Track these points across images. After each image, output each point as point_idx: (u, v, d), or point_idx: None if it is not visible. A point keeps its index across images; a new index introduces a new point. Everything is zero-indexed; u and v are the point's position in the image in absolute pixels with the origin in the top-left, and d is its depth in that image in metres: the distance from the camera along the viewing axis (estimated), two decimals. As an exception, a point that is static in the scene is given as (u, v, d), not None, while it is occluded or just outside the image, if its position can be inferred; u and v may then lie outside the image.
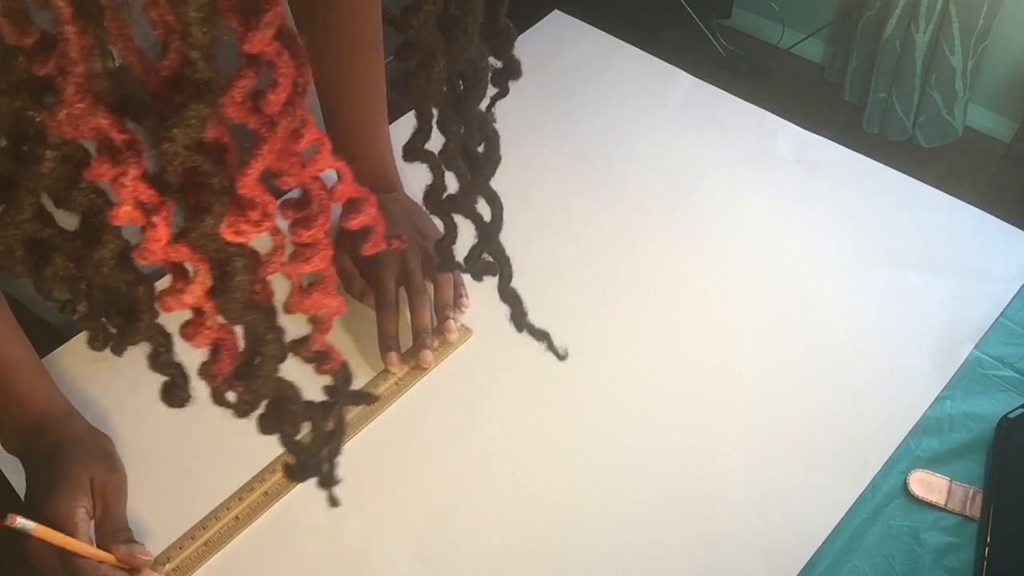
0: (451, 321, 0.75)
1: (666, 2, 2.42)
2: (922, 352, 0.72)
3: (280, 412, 0.43)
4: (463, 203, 0.43)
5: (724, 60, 2.42)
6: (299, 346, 0.42)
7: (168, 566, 0.63)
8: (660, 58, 1.02)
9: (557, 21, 1.08)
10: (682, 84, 0.99)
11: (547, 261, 0.81)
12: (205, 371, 0.41)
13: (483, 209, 0.45)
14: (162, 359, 0.43)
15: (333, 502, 0.49)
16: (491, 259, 0.47)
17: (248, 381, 0.41)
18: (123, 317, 0.40)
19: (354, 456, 0.69)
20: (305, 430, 0.45)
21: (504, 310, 0.77)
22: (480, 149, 0.41)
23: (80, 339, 0.78)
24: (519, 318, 0.49)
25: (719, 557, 0.62)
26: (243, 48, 0.29)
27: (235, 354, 0.40)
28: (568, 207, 0.86)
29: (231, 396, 0.43)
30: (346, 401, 0.46)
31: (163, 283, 0.37)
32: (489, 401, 0.72)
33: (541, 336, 0.51)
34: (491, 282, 0.79)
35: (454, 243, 0.46)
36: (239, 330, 0.39)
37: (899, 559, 0.61)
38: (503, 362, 0.74)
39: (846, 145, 0.90)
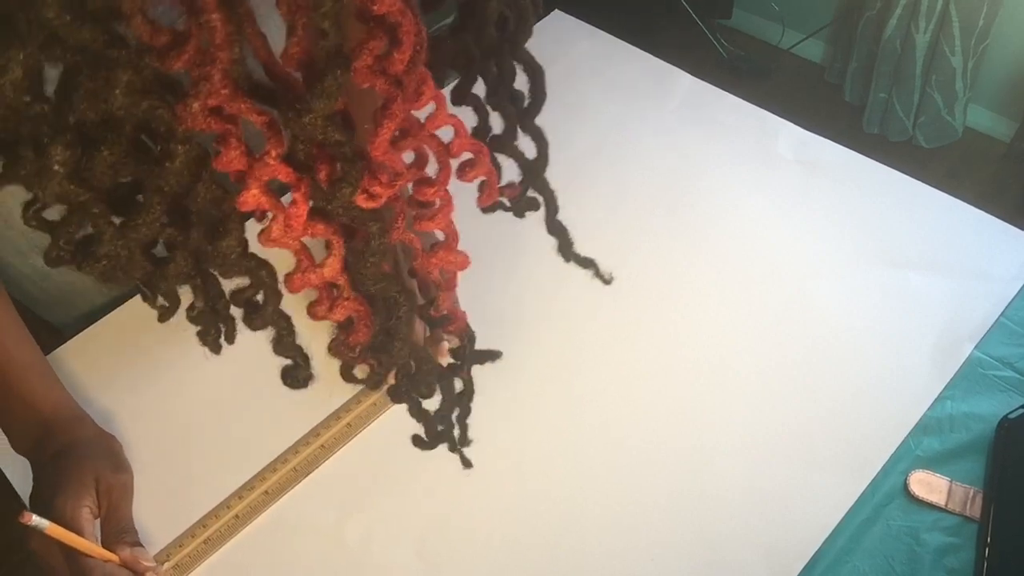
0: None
1: (666, 2, 2.42)
2: (922, 352, 0.72)
3: (414, 378, 0.44)
4: (509, 142, 0.44)
5: (724, 60, 2.42)
6: (428, 308, 0.43)
7: (168, 564, 0.63)
8: (660, 58, 1.02)
9: (557, 21, 1.08)
10: (682, 84, 0.99)
11: (547, 261, 0.81)
12: (341, 344, 0.41)
13: (526, 148, 0.45)
14: (286, 342, 0.44)
15: (466, 463, 0.53)
16: (535, 195, 0.48)
17: (386, 349, 0.41)
18: (248, 306, 0.41)
19: (354, 456, 0.69)
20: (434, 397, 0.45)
21: (505, 311, 0.77)
22: (522, 91, 0.42)
23: (81, 339, 0.78)
24: (566, 248, 0.51)
25: (719, 557, 0.62)
26: (371, 10, 0.30)
27: (371, 323, 0.40)
28: (568, 207, 0.86)
29: (359, 371, 0.43)
30: (473, 359, 0.47)
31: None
32: (489, 401, 0.72)
33: (588, 263, 0.53)
34: (493, 282, 0.79)
35: (499, 182, 0.47)
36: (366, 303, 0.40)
37: (899, 559, 0.61)
38: (503, 363, 0.74)
39: (846, 145, 0.90)
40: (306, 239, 0.38)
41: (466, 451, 0.68)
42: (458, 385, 0.48)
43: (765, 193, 0.86)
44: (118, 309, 0.80)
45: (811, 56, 2.43)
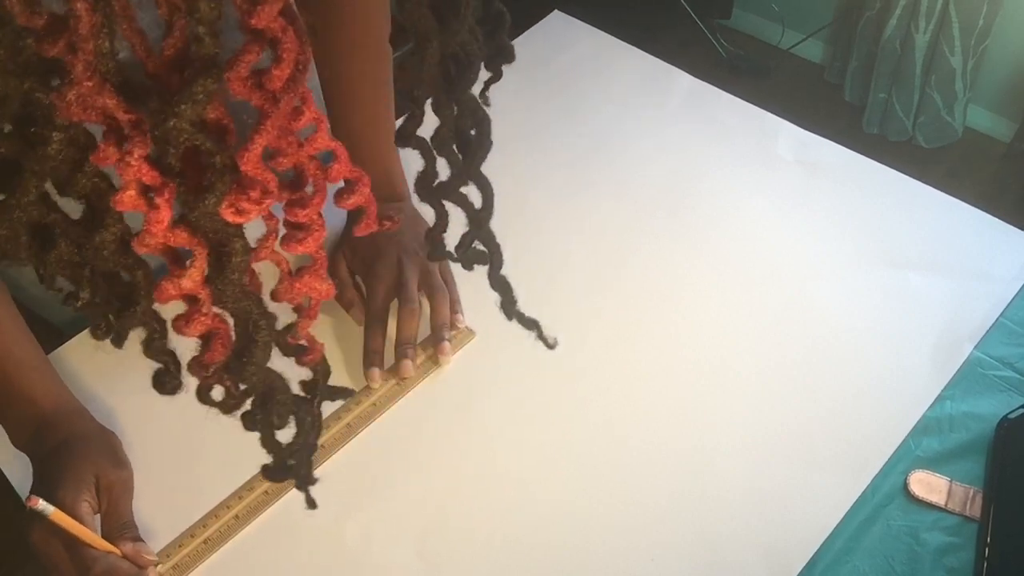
0: (446, 343, 0.74)
1: (666, 2, 2.42)
2: (922, 352, 0.72)
3: (267, 405, 0.43)
4: (453, 189, 0.43)
5: (724, 60, 2.42)
6: (285, 334, 0.42)
7: (167, 564, 0.63)
8: (660, 58, 1.02)
9: (557, 21, 1.08)
10: (682, 84, 0.99)
11: (547, 261, 0.81)
12: (196, 363, 0.41)
13: (475, 197, 0.44)
14: (156, 345, 0.43)
15: (310, 503, 0.49)
16: (482, 247, 0.47)
17: (239, 371, 0.41)
18: (121, 303, 0.41)
19: (354, 456, 0.69)
20: (287, 427, 0.45)
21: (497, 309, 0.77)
22: (472, 134, 0.41)
23: (81, 338, 0.78)
24: (509, 306, 0.49)
25: (719, 557, 0.62)
26: (249, 23, 0.30)
27: (228, 343, 0.40)
28: (568, 207, 0.86)
29: (216, 393, 0.43)
30: (324, 395, 0.46)
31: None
32: (490, 401, 0.72)
33: (531, 324, 0.50)
34: (482, 280, 0.79)
35: (444, 231, 0.46)
36: (230, 321, 0.40)
37: (899, 559, 0.61)
38: (504, 363, 0.74)
39: (846, 145, 0.90)
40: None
41: (468, 456, 0.69)
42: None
43: (765, 193, 0.86)
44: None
45: (811, 56, 2.43)
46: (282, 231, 0.39)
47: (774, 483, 0.65)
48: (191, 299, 0.38)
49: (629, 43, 1.04)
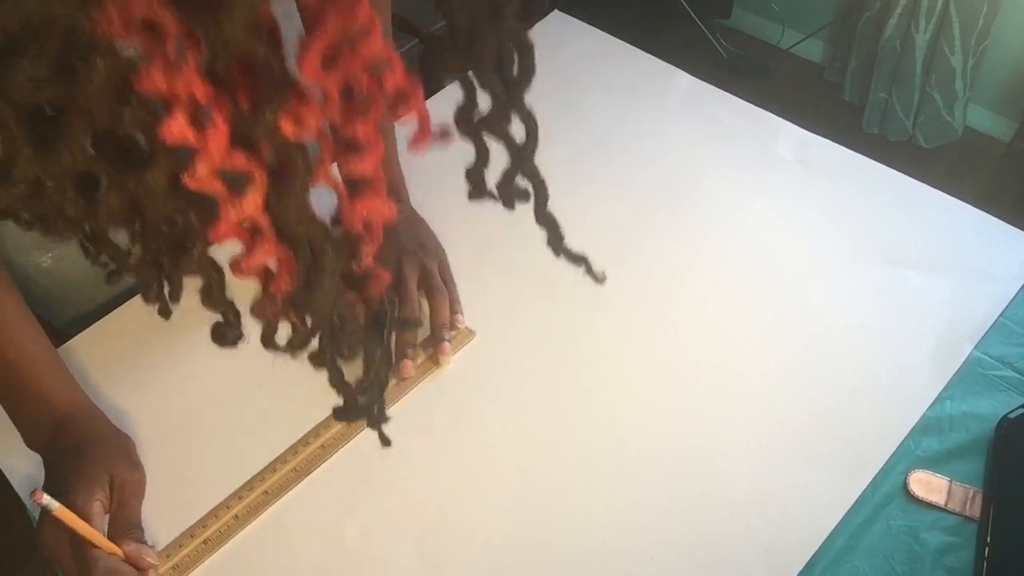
0: (446, 344, 0.74)
1: (666, 2, 2.42)
2: (922, 352, 0.72)
3: (337, 339, 0.41)
4: (496, 122, 0.40)
5: (724, 60, 2.42)
6: (350, 261, 0.40)
7: (167, 564, 0.63)
8: (660, 58, 1.02)
9: (557, 21, 1.08)
10: (682, 84, 0.99)
11: (547, 260, 0.81)
12: (261, 299, 0.39)
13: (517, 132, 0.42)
14: (215, 294, 0.41)
15: (385, 441, 0.48)
16: (525, 182, 0.45)
17: (307, 303, 0.38)
18: (175, 252, 0.39)
19: (354, 456, 0.69)
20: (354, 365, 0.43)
21: (505, 311, 0.77)
22: (515, 63, 0.39)
23: (81, 338, 0.78)
24: (556, 242, 0.48)
25: (719, 557, 0.62)
26: None
27: (293, 273, 0.37)
28: (568, 207, 0.86)
29: (281, 336, 0.41)
30: (394, 326, 0.44)
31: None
32: (490, 401, 0.72)
33: (579, 260, 0.49)
34: (494, 282, 0.79)
35: (486, 166, 0.44)
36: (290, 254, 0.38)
37: (899, 559, 0.61)
38: (504, 363, 0.74)
39: (846, 145, 0.90)
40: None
41: (468, 456, 0.69)
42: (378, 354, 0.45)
43: (765, 193, 0.86)
44: (118, 309, 0.80)
45: (811, 56, 2.43)
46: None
47: (774, 483, 0.65)
48: (251, 231, 0.35)
49: (629, 43, 1.04)
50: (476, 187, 0.45)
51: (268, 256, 0.36)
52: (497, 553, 0.63)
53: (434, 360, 0.74)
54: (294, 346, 0.41)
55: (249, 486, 0.67)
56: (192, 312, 0.82)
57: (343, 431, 0.70)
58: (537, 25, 1.07)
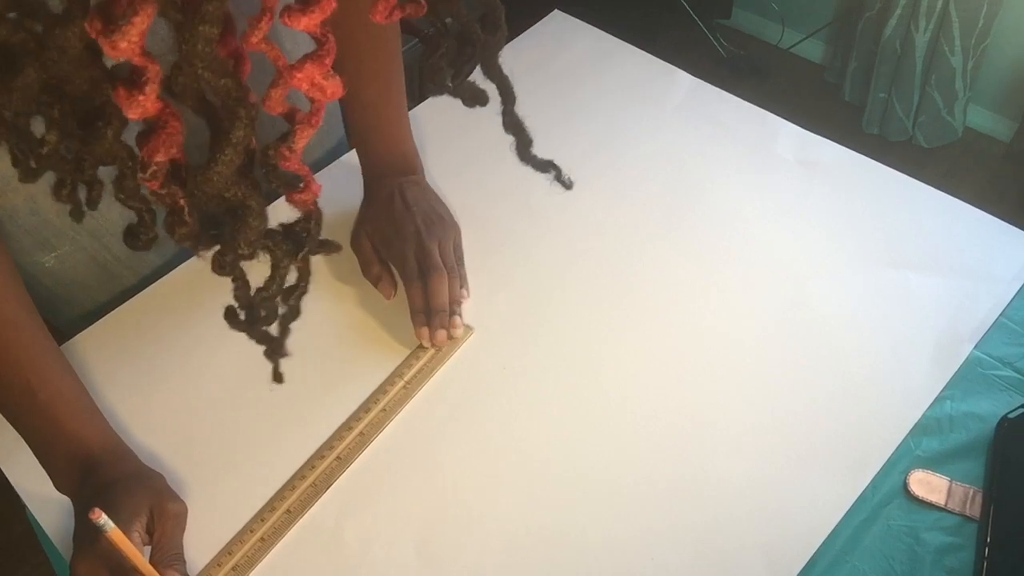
0: (457, 317, 0.74)
1: (666, 2, 2.42)
2: (922, 352, 0.72)
3: (238, 225, 0.36)
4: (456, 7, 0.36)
5: (724, 60, 2.42)
6: (278, 146, 0.35)
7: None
8: (660, 58, 1.02)
9: (557, 21, 1.08)
10: (682, 84, 0.99)
11: (548, 261, 0.81)
12: (140, 164, 0.34)
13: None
14: (128, 184, 0.37)
15: (277, 378, 0.43)
16: (487, 83, 0.40)
17: (202, 179, 0.33)
18: (91, 135, 0.34)
19: (354, 456, 0.69)
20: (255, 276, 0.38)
21: (506, 311, 0.77)
22: None
23: (81, 338, 0.78)
24: (523, 148, 0.44)
25: (719, 557, 0.62)
26: None
27: (176, 139, 0.33)
28: (568, 207, 0.86)
29: (167, 206, 0.35)
30: (313, 246, 0.39)
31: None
32: (489, 401, 0.72)
33: (545, 166, 0.45)
34: (495, 281, 0.79)
35: (438, 52, 0.40)
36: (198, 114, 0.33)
37: (899, 559, 0.61)
38: (504, 362, 0.74)
39: (846, 145, 0.90)
40: None
41: (468, 456, 0.69)
42: (291, 277, 0.40)
43: (764, 193, 0.86)
44: (117, 309, 0.80)
45: (811, 56, 2.43)
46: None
47: (774, 483, 0.65)
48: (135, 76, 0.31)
49: (629, 43, 1.04)
50: (435, 80, 0.40)
51: (152, 106, 0.32)
52: (497, 553, 0.63)
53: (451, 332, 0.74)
54: (177, 233, 0.36)
55: (271, 507, 0.66)
56: (193, 311, 0.81)
57: (356, 440, 0.69)
58: (537, 25, 1.07)
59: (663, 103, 0.96)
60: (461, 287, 0.77)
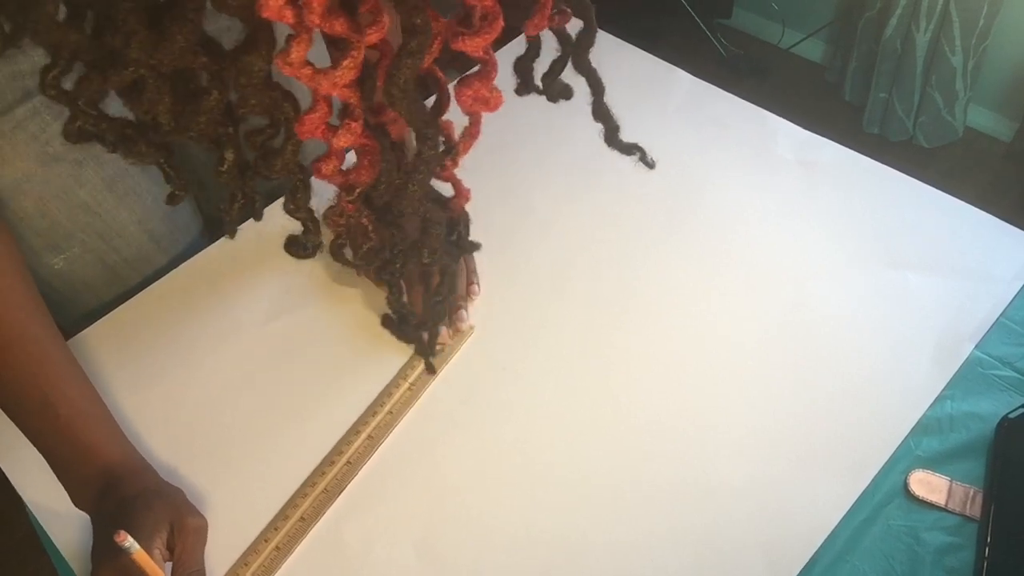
0: (463, 311, 0.75)
1: (666, 2, 2.42)
2: (922, 352, 0.72)
3: (421, 243, 0.40)
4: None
5: (724, 60, 2.42)
6: (443, 158, 0.39)
7: None
8: (660, 58, 1.02)
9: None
10: (682, 84, 0.99)
11: (548, 261, 0.81)
12: (336, 206, 0.38)
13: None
14: (299, 197, 0.41)
15: (430, 368, 0.50)
16: (577, 77, 0.43)
17: (399, 198, 0.38)
18: (264, 151, 0.38)
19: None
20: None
21: (506, 312, 0.77)
22: None
23: (83, 337, 0.78)
24: (611, 134, 0.47)
25: (719, 556, 0.62)
26: None
27: (376, 162, 0.37)
28: (569, 207, 0.86)
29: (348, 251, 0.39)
30: (468, 247, 0.44)
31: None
32: (490, 403, 0.72)
33: (631, 149, 0.48)
34: (496, 283, 0.79)
35: (536, 57, 0.42)
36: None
37: (899, 559, 0.61)
38: (504, 363, 0.74)
39: (846, 145, 0.90)
40: None
41: (467, 456, 0.69)
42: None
43: (765, 193, 0.86)
44: (117, 310, 0.80)
45: (811, 56, 2.43)
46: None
47: (774, 483, 0.65)
48: (334, 129, 0.35)
49: (629, 43, 1.04)
50: (524, 82, 0.44)
51: (353, 140, 0.36)
52: (497, 553, 0.63)
53: (455, 329, 0.74)
54: (365, 260, 0.41)
55: (284, 515, 0.65)
56: (195, 310, 0.81)
57: (366, 444, 0.69)
58: (537, 25, 1.07)
59: (663, 103, 0.96)
60: (471, 283, 0.77)
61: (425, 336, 0.47)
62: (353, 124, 0.36)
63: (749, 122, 0.94)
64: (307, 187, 0.41)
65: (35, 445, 0.63)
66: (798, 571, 0.61)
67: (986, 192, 2.05)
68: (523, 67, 0.43)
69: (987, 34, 1.95)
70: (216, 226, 0.92)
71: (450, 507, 0.66)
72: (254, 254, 0.84)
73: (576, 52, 0.42)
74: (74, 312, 0.83)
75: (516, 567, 0.62)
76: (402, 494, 0.67)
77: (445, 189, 0.48)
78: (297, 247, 0.44)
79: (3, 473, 0.69)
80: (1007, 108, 2.11)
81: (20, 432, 0.64)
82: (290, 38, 0.32)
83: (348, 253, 0.41)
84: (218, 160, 0.39)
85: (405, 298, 0.45)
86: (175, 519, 0.61)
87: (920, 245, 0.80)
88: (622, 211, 0.86)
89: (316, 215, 0.41)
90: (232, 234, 0.45)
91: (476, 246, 0.47)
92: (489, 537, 0.64)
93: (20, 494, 0.68)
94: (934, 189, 0.85)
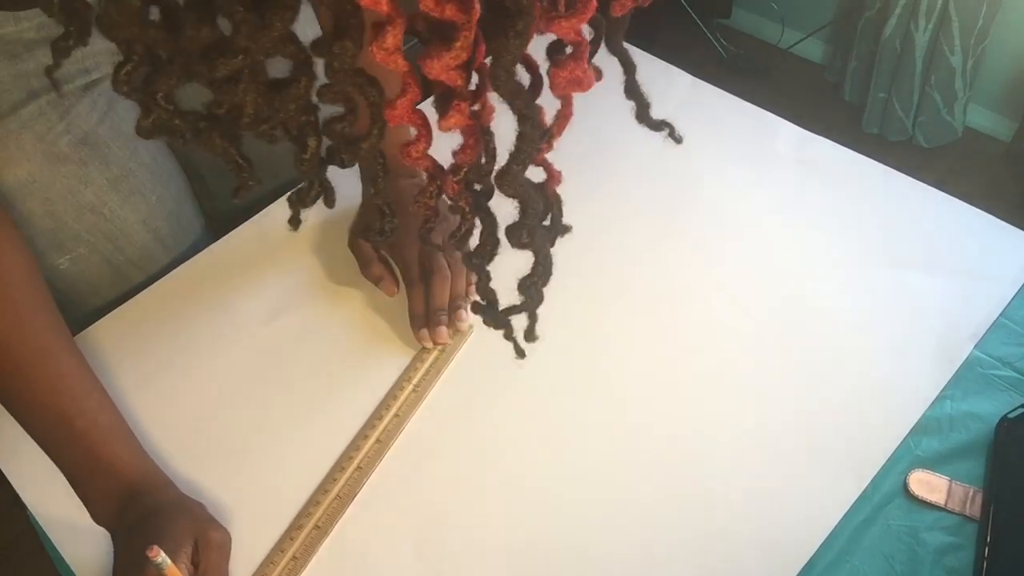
0: (463, 310, 0.75)
1: (666, 2, 2.42)
2: (922, 352, 0.72)
3: (520, 224, 0.42)
4: None
5: (724, 60, 2.42)
6: (540, 141, 0.40)
7: None
8: (660, 58, 1.02)
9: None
10: (682, 84, 0.99)
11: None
12: (426, 190, 0.39)
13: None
14: (380, 185, 0.42)
15: (520, 353, 0.51)
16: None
17: (505, 179, 0.39)
18: (344, 140, 0.39)
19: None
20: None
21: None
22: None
23: (86, 335, 0.78)
24: (643, 111, 0.49)
25: (719, 557, 0.62)
26: None
27: (479, 144, 0.38)
28: (568, 208, 0.86)
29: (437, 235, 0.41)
30: (561, 231, 0.46)
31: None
32: (488, 401, 0.72)
33: (660, 126, 0.50)
34: (495, 282, 0.79)
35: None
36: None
37: (899, 559, 0.61)
38: (503, 364, 0.74)
39: (846, 145, 0.90)
40: None
41: (467, 456, 0.69)
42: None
43: (764, 193, 0.86)
44: (120, 308, 0.80)
45: (811, 56, 2.43)
46: None
47: (774, 483, 0.65)
48: (444, 96, 0.35)
49: (629, 43, 1.04)
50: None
51: (462, 121, 0.36)
52: (496, 553, 0.63)
53: (454, 330, 0.74)
54: (459, 240, 0.42)
55: (298, 524, 0.64)
56: (199, 309, 0.81)
57: (375, 449, 0.68)
58: (537, 25, 1.07)
59: (663, 103, 0.96)
60: (471, 283, 0.77)
61: (506, 324, 0.49)
62: (463, 104, 0.36)
63: (749, 122, 0.93)
64: (387, 172, 0.42)
65: (53, 459, 0.62)
66: (798, 571, 0.61)
67: (985, 192, 2.05)
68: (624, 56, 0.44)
69: (986, 34, 1.95)
70: (217, 224, 0.92)
71: (450, 507, 0.66)
72: (257, 253, 0.84)
73: (611, 33, 0.44)
74: (78, 312, 0.83)
75: (516, 567, 0.62)
76: (402, 494, 0.67)
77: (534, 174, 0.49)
78: (375, 233, 0.45)
79: (2, 473, 0.69)
80: (1006, 108, 2.11)
81: (20, 432, 0.64)
82: (381, 24, 0.32)
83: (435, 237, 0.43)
84: (300, 149, 0.40)
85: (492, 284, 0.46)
86: (199, 534, 0.60)
87: (920, 245, 0.80)
88: (622, 211, 0.86)
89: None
90: (296, 226, 0.46)
91: (568, 228, 0.48)
92: (488, 538, 0.64)
93: (19, 493, 0.68)
94: (934, 189, 0.85)
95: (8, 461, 0.69)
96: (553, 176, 0.43)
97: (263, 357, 0.76)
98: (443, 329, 0.73)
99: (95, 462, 0.62)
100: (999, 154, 2.13)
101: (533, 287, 0.47)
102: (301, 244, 0.84)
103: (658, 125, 0.50)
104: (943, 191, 0.85)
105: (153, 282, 0.82)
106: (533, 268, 0.46)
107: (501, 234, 0.44)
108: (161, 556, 0.52)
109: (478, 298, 0.47)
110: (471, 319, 0.77)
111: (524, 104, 0.38)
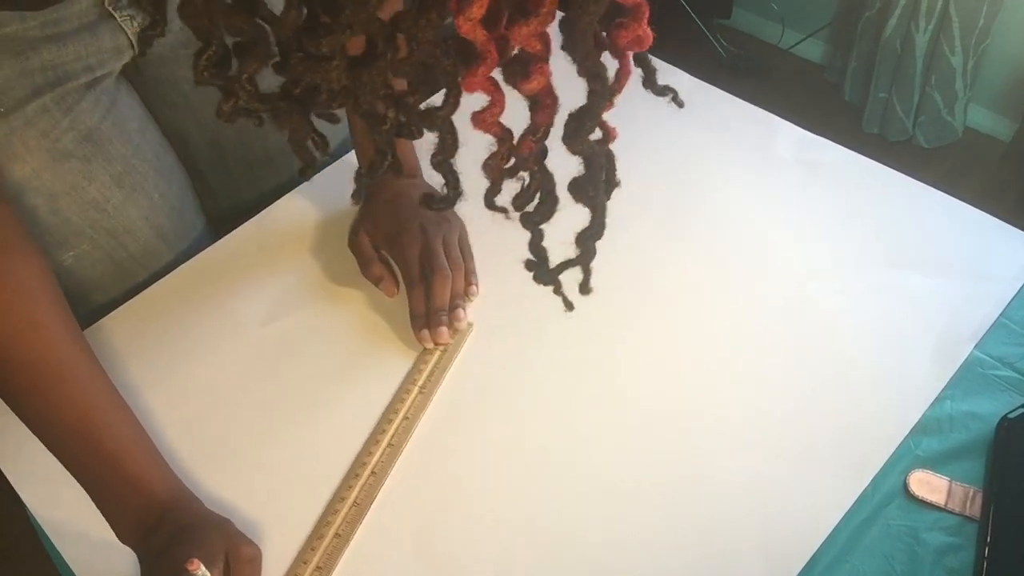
0: (461, 310, 0.75)
1: (666, 2, 2.42)
2: (922, 352, 0.72)
3: (590, 172, 0.44)
4: None
5: (724, 60, 2.42)
6: (612, 95, 0.43)
7: None
8: (660, 58, 1.02)
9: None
10: (682, 84, 0.98)
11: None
12: (496, 155, 0.42)
13: None
14: (446, 156, 0.43)
15: (569, 306, 0.54)
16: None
17: (575, 137, 0.41)
18: (423, 115, 0.40)
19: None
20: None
21: (506, 312, 0.77)
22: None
23: (90, 333, 0.78)
24: (650, 78, 0.52)
25: (719, 556, 0.62)
26: None
27: (554, 103, 0.40)
28: (567, 207, 0.86)
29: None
30: (613, 187, 0.49)
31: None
32: (488, 401, 0.72)
33: (664, 91, 0.54)
34: (496, 281, 0.79)
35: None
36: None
37: (899, 559, 0.61)
38: (504, 362, 0.74)
39: (846, 145, 0.90)
40: None
41: (467, 455, 0.69)
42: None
43: (765, 193, 0.86)
44: (124, 306, 0.80)
45: (811, 56, 2.43)
46: None
47: (774, 483, 0.65)
48: (521, 62, 0.37)
49: (629, 43, 1.04)
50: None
51: (546, 79, 0.39)
52: (496, 553, 0.63)
53: (453, 328, 0.74)
54: (521, 202, 0.44)
55: (319, 534, 0.64)
56: (202, 307, 0.81)
57: (388, 452, 0.68)
58: (537, 25, 1.07)
59: (662, 103, 0.96)
60: (470, 283, 0.77)
61: (555, 281, 0.53)
62: (545, 67, 0.40)
63: (749, 122, 0.93)
64: (456, 141, 0.43)
65: (77, 478, 0.60)
66: (798, 571, 0.61)
67: (985, 192, 2.05)
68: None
69: (987, 34, 1.95)
70: (217, 222, 0.92)
71: (450, 507, 0.66)
72: (259, 252, 0.84)
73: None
74: (81, 308, 0.83)
75: (516, 567, 0.62)
76: (402, 494, 0.67)
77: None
78: (441, 202, 0.47)
79: (2, 473, 0.69)
80: (1007, 108, 2.11)
81: (20, 432, 0.64)
82: None
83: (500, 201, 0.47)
84: (378, 121, 0.41)
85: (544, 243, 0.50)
86: (231, 549, 0.59)
87: (920, 245, 0.80)
88: (621, 211, 0.85)
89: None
90: (359, 201, 0.47)
91: (618, 183, 0.49)
92: (489, 537, 0.64)
93: (20, 494, 0.68)
94: (934, 189, 0.85)
95: (8, 461, 0.69)
96: (609, 133, 0.46)
97: (266, 358, 0.76)
98: (444, 329, 0.73)
99: (123, 481, 0.60)
100: (999, 154, 2.13)
101: (590, 240, 0.51)
102: (302, 244, 0.84)
103: (663, 91, 0.53)
104: (943, 191, 0.85)
105: (156, 279, 0.82)
106: (591, 223, 0.50)
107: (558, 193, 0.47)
108: (201, 569, 0.52)
109: (531, 256, 0.50)
110: (470, 317, 0.77)
111: (594, 64, 0.41)
